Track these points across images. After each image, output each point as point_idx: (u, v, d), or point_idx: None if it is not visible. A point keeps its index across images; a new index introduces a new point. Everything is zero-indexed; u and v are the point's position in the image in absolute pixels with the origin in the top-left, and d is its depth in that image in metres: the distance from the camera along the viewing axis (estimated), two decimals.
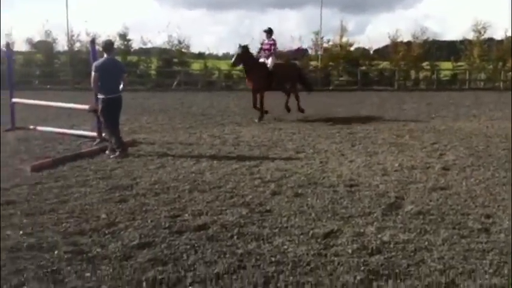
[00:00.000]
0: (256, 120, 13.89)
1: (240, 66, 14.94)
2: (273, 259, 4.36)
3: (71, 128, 11.54)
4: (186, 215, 5.60)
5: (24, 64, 27.87)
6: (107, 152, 8.83)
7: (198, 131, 11.84)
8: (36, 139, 10.47)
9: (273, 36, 14.64)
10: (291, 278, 4.01)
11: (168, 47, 30.27)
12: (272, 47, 14.52)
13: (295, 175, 7.46)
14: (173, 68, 29.50)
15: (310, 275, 4.07)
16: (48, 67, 28.26)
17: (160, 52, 30.24)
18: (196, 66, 30.89)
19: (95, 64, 8.65)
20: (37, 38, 29.35)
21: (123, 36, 29.26)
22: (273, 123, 13.44)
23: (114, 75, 8.70)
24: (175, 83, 27.62)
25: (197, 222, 5.34)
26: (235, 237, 4.91)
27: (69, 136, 10.71)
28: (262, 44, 15.19)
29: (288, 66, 16.25)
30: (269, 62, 14.40)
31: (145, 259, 4.35)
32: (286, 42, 28.63)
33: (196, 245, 4.70)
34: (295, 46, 29.38)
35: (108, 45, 8.92)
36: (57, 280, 3.98)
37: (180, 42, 30.09)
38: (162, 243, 4.73)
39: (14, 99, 11.71)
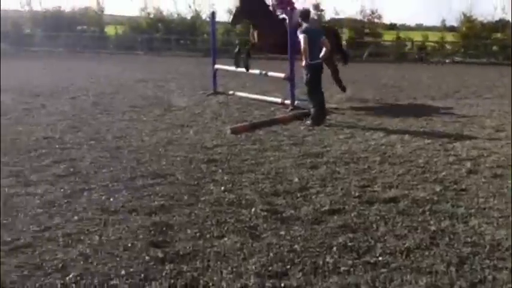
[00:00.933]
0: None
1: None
2: (468, 240, 4.17)
3: (266, 94, 12.09)
4: (376, 186, 5.59)
5: (224, 33, 29.70)
6: (306, 121, 9.05)
7: (389, 104, 11.60)
8: (236, 104, 11.19)
9: None
10: (488, 261, 3.81)
11: (360, 17, 29.98)
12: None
13: (494, 155, 6.96)
14: (364, 39, 29.10)
15: (510, 261, 3.81)
16: (248, 36, 29.66)
17: (351, 22, 30.01)
18: (388, 37, 30.15)
19: (302, 30, 8.85)
20: None
21: (316, 7, 29.59)
22: (470, 99, 12.60)
23: (316, 41, 8.92)
24: (365, 54, 27.24)
25: (387, 194, 5.31)
26: (427, 213, 4.78)
27: (265, 102, 11.23)
28: None
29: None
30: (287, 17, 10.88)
31: (335, 225, 4.47)
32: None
33: (386, 216, 4.68)
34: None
35: (306, 14, 9.17)
36: (254, 235, 4.28)
37: (373, 12, 29.58)
38: (352, 212, 4.80)
39: (217, 66, 12.58)
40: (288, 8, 11.07)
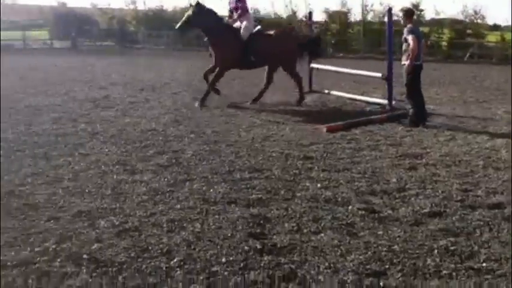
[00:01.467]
0: (196, 104, 10.31)
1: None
2: None
3: (362, 94, 11.94)
4: (479, 191, 5.37)
5: (320, 33, 29.56)
6: (404, 122, 8.83)
7: (493, 106, 11.06)
8: (331, 103, 11.15)
9: None
10: None
11: (461, 17, 28.82)
12: (239, 5, 10.42)
13: None
14: (466, 39, 27.91)
15: None
16: (343, 36, 29.43)
17: (452, 23, 28.93)
18: (491, 38, 28.73)
19: (410, 29, 8.63)
20: (333, 8, 30.94)
21: (415, 6, 28.72)
22: None
23: (420, 42, 8.72)
24: (467, 55, 26.13)
25: (491, 200, 5.09)
26: None
27: (361, 102, 11.10)
28: (229, 3, 10.79)
29: (279, 37, 10.79)
30: (242, 26, 10.34)
31: (436, 228, 4.35)
32: None
33: (490, 222, 4.49)
34: None
35: (411, 13, 8.98)
36: (351, 233, 4.26)
37: (475, 13, 28.32)
38: (454, 215, 4.65)
39: (312, 65, 12.57)
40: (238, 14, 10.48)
